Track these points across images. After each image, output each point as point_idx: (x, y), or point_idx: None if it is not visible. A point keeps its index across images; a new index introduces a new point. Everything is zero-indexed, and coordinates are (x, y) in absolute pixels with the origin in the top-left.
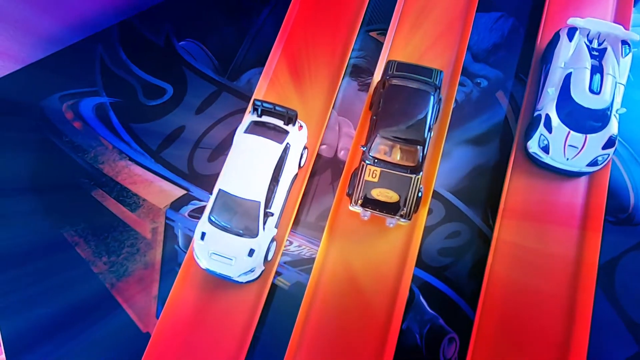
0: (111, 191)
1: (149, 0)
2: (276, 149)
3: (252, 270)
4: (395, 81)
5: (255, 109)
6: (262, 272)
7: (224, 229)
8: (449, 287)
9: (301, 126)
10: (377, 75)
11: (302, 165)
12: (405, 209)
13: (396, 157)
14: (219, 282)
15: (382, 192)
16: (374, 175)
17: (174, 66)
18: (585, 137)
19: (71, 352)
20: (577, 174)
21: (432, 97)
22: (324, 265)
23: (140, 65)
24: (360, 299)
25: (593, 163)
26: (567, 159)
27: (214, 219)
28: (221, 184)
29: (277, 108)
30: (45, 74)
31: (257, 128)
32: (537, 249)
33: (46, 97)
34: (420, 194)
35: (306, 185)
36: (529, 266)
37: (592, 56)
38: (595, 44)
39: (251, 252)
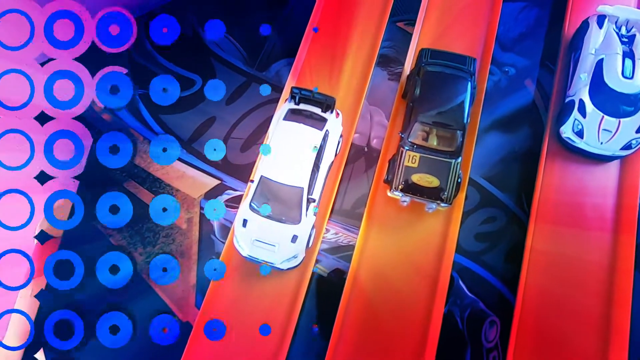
0: (144, 182)
1: None
2: (317, 135)
3: (295, 257)
4: (431, 68)
5: (293, 97)
6: (304, 258)
7: (266, 216)
8: (487, 271)
9: (338, 113)
10: (408, 65)
11: (337, 152)
12: (446, 193)
13: (435, 142)
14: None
15: (422, 177)
16: (413, 161)
17: (202, 58)
18: (619, 122)
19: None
20: (610, 158)
21: (469, 83)
22: (364, 252)
23: (167, 57)
24: (402, 285)
25: (627, 147)
26: (602, 143)
27: (255, 206)
28: (262, 170)
29: (315, 95)
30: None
31: (295, 116)
32: (574, 232)
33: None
34: (459, 179)
35: (344, 170)
36: (568, 249)
37: (622, 42)
38: (624, 31)
39: (294, 239)
